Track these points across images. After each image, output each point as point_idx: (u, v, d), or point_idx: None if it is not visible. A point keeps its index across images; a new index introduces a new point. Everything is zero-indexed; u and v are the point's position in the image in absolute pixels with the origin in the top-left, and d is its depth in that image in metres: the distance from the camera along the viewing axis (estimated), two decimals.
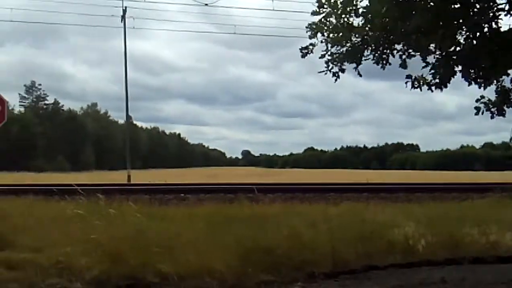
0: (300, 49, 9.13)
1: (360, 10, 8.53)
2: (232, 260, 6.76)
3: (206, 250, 6.90)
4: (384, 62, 8.76)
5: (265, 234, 7.63)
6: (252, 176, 20.54)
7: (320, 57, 8.97)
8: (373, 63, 8.83)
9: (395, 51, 8.67)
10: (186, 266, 6.47)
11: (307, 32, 8.88)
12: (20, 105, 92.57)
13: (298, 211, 10.24)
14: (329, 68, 8.95)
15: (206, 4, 29.54)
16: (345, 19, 8.67)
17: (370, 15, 8.38)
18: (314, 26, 8.79)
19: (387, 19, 8.14)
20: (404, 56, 8.58)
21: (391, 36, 8.46)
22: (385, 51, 8.72)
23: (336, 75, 8.99)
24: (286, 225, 8.16)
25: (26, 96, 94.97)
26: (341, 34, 8.72)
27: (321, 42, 8.93)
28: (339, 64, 8.90)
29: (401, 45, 8.56)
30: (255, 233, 7.67)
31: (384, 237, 8.15)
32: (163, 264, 6.37)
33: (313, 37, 8.88)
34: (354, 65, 8.85)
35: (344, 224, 8.69)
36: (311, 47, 9.01)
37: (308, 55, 9.07)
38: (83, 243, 6.80)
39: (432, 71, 8.38)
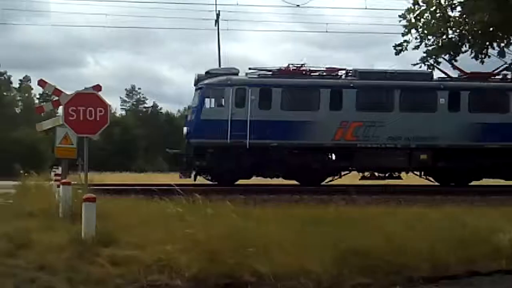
0: (393, 46, 8.98)
1: (458, 8, 8.27)
2: (327, 262, 6.72)
3: (302, 250, 6.90)
4: (484, 56, 8.45)
5: (361, 237, 7.52)
6: (350, 177, 20.17)
7: (413, 48, 8.79)
8: (472, 57, 8.52)
9: (494, 43, 8.34)
10: (282, 266, 6.50)
11: (403, 26, 8.71)
12: (121, 108, 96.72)
13: (395, 214, 10.00)
14: (424, 61, 8.78)
15: (298, 5, 29.53)
16: (441, 13, 8.46)
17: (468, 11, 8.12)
18: (408, 22, 8.64)
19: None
20: (502, 45, 8.22)
21: (491, 28, 8.14)
22: (485, 44, 8.40)
23: (431, 67, 8.79)
24: (382, 228, 8.00)
25: (127, 99, 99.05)
26: (436, 27, 8.52)
27: (416, 38, 8.75)
28: (434, 57, 8.71)
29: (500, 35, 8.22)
30: (351, 235, 7.58)
31: (488, 242, 7.78)
32: (259, 264, 6.43)
33: (407, 34, 8.70)
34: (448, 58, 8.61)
35: (444, 227, 8.39)
36: (405, 44, 8.84)
37: (402, 52, 8.92)
38: (182, 242, 7.00)
39: None
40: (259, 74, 21.59)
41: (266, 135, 20.19)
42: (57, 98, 14.33)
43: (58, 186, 10.56)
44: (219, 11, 34.44)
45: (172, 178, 20.28)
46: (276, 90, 20.61)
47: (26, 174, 14.56)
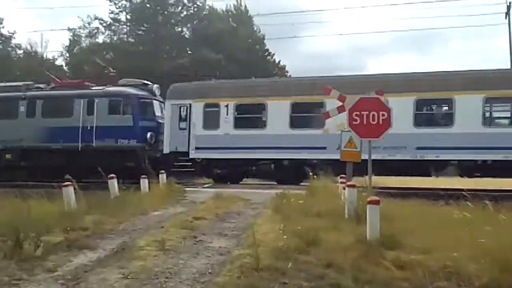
0: None
1: None
2: None
3: None
4: None
5: None
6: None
7: None
8: None
9: None
10: None
11: None
12: None
13: None
14: None
15: None
16: None
17: None
18: None
19: None
20: None
21: None
22: None
23: None
24: None
25: None
26: None
27: None
28: None
29: None
30: None
31: None
32: None
33: None
34: None
35: None
36: None
37: None
38: (471, 249, 6.62)
39: None
40: None
41: None
42: (341, 103, 14.98)
43: (344, 189, 10.96)
44: (510, 2, 32.02)
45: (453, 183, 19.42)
46: None
47: (315, 176, 15.49)
